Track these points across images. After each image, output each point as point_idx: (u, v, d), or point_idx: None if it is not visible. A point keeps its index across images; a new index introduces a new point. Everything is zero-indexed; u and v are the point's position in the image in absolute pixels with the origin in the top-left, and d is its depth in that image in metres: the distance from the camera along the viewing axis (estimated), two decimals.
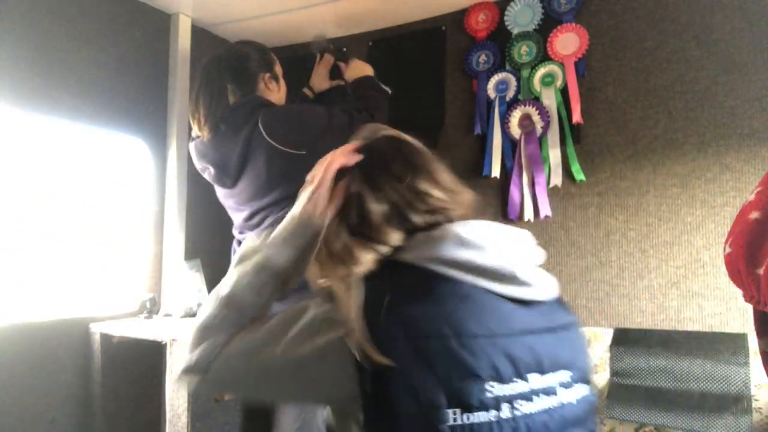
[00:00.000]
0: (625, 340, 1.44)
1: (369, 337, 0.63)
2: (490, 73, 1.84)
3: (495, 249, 0.73)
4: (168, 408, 1.46)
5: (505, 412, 0.65)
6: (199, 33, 1.98)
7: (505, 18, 1.83)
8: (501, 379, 0.65)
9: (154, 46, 1.83)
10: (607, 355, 1.43)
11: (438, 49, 1.94)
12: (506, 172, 1.80)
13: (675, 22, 1.59)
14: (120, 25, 1.72)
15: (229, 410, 1.72)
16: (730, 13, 1.53)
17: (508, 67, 1.83)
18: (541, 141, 1.74)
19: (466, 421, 0.63)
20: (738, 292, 0.63)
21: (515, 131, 1.78)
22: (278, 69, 1.59)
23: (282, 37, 2.08)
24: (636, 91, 1.64)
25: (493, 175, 1.79)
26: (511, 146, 1.80)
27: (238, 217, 1.55)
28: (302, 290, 0.79)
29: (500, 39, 1.84)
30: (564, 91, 1.72)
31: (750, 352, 1.30)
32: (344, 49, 1.85)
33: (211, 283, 1.71)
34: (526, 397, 0.67)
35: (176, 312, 1.78)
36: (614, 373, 1.40)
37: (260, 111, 1.44)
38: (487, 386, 0.64)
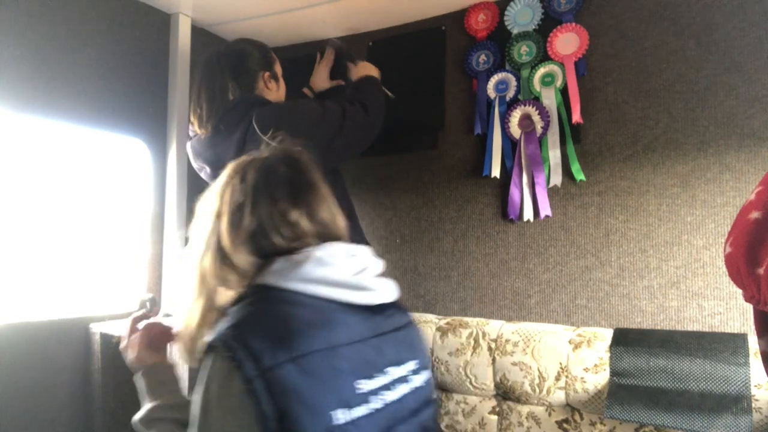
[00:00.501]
0: (625, 340, 1.43)
1: (255, 364, 0.70)
2: (490, 73, 1.85)
3: (347, 265, 0.84)
4: None
5: (376, 403, 0.78)
6: (199, 33, 1.98)
7: (505, 18, 1.83)
8: (368, 377, 0.78)
9: (154, 46, 1.83)
10: (607, 355, 1.43)
11: (438, 49, 1.94)
12: (506, 172, 1.80)
13: (675, 22, 1.59)
14: (120, 25, 1.72)
15: None
16: (730, 13, 1.53)
17: (508, 67, 1.83)
18: (541, 141, 1.74)
19: (350, 418, 0.73)
20: (738, 292, 0.63)
21: (515, 131, 1.78)
22: (278, 68, 1.59)
23: (282, 36, 2.08)
24: (636, 91, 1.64)
25: (493, 175, 1.79)
26: (511, 146, 1.80)
27: None
28: None
29: (500, 39, 1.84)
30: (564, 91, 1.72)
31: (750, 352, 1.30)
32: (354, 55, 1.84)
33: None
34: (388, 387, 0.81)
35: (176, 312, 1.78)
36: (614, 373, 1.40)
37: (255, 109, 1.43)
38: (358, 385, 0.77)
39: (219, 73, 1.47)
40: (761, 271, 0.54)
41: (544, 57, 1.77)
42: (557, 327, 1.57)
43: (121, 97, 1.72)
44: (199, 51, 1.94)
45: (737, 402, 1.25)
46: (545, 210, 1.72)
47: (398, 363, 0.85)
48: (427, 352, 0.96)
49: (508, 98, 1.81)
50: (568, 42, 1.72)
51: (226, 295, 0.84)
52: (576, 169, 1.69)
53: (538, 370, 1.51)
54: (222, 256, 0.84)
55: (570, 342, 1.50)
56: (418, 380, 0.89)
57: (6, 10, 1.43)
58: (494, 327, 1.63)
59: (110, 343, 1.62)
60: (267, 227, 0.84)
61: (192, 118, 1.49)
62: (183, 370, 0.88)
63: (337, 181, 1.56)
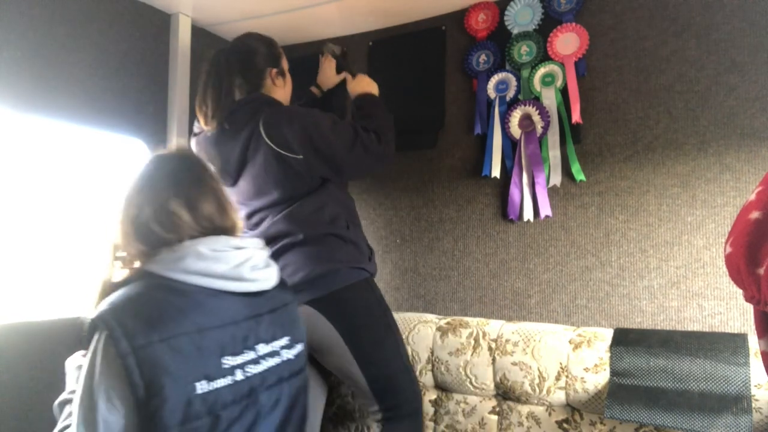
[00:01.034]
0: (625, 340, 1.43)
1: (129, 342, 0.82)
2: (490, 73, 1.85)
3: (227, 258, 0.95)
4: None
5: (239, 375, 0.92)
6: (199, 33, 1.98)
7: (505, 18, 1.83)
8: (233, 353, 0.91)
9: (154, 46, 1.83)
10: (607, 355, 1.43)
11: (438, 49, 1.94)
12: (506, 172, 1.80)
13: (675, 22, 1.60)
14: (120, 25, 1.72)
15: None
16: (730, 13, 1.53)
17: (508, 67, 1.83)
18: (541, 141, 1.74)
19: (211, 388, 0.87)
20: (738, 292, 0.63)
21: (515, 131, 1.78)
22: (285, 63, 1.58)
23: (282, 37, 2.07)
24: (636, 91, 1.64)
25: (493, 175, 1.79)
26: (511, 146, 1.80)
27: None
28: None
29: (500, 39, 1.84)
30: (564, 91, 1.72)
31: (750, 352, 1.30)
32: (352, 63, 1.83)
33: None
34: (255, 361, 0.95)
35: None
36: (614, 373, 1.40)
37: (263, 110, 1.43)
38: (223, 360, 0.90)
39: (226, 70, 1.47)
40: (761, 271, 0.55)
41: (544, 57, 1.77)
42: (557, 327, 1.57)
43: (121, 97, 1.72)
44: (199, 51, 1.94)
45: (737, 402, 1.25)
46: (545, 210, 1.72)
47: (269, 340, 0.99)
48: (301, 328, 1.11)
49: (508, 98, 1.81)
50: (568, 42, 1.72)
51: (120, 274, 0.97)
52: (576, 169, 1.69)
53: (538, 370, 1.51)
54: (116, 243, 0.98)
55: (570, 342, 1.50)
56: (288, 354, 1.03)
57: (6, 10, 1.43)
58: (494, 327, 1.63)
59: None
60: (148, 216, 0.94)
61: (198, 115, 1.48)
62: None
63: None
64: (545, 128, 1.73)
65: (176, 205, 0.95)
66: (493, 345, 1.59)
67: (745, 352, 1.30)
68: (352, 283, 1.45)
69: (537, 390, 1.51)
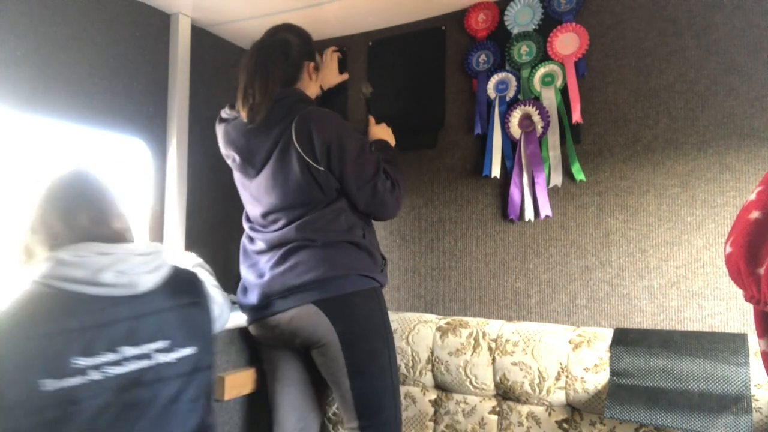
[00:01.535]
0: (625, 340, 1.44)
1: None
2: (490, 73, 1.85)
3: (88, 263, 1.00)
4: None
5: (95, 375, 0.95)
6: (199, 33, 1.98)
7: (505, 18, 1.83)
8: (89, 354, 0.95)
9: (154, 46, 1.83)
10: (607, 355, 1.43)
11: (438, 49, 1.94)
12: (506, 172, 1.80)
13: (675, 22, 1.60)
14: (120, 25, 1.72)
15: (229, 410, 1.72)
16: (730, 13, 1.53)
17: (508, 67, 1.83)
18: (541, 141, 1.74)
19: (58, 386, 0.91)
20: (738, 292, 0.63)
21: (515, 131, 1.78)
22: (319, 58, 1.61)
23: None
24: (636, 91, 1.64)
25: (493, 175, 1.79)
26: (511, 146, 1.80)
27: (253, 209, 1.55)
28: None
29: (500, 39, 1.84)
30: (564, 91, 1.72)
31: (750, 352, 1.30)
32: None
33: None
34: (117, 363, 0.98)
35: None
36: (614, 373, 1.40)
37: (298, 108, 1.44)
38: (73, 360, 0.93)
39: (272, 62, 1.47)
40: (761, 271, 0.55)
41: (544, 57, 1.77)
42: (557, 327, 1.57)
43: (121, 97, 1.72)
44: (199, 51, 1.94)
45: (737, 402, 1.26)
46: (545, 210, 1.72)
47: (137, 343, 1.01)
48: (196, 332, 1.12)
49: (508, 98, 1.81)
50: (568, 42, 1.72)
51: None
52: (576, 169, 1.69)
53: (538, 370, 1.51)
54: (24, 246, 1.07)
55: (570, 342, 1.50)
56: (165, 358, 1.05)
57: (6, 10, 1.43)
58: (494, 327, 1.63)
59: None
60: (33, 227, 1.05)
61: (241, 104, 1.46)
62: None
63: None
64: (545, 128, 1.73)
65: (53, 217, 1.05)
66: (493, 345, 1.59)
67: (745, 352, 1.30)
68: (360, 290, 1.45)
69: (537, 390, 1.51)
